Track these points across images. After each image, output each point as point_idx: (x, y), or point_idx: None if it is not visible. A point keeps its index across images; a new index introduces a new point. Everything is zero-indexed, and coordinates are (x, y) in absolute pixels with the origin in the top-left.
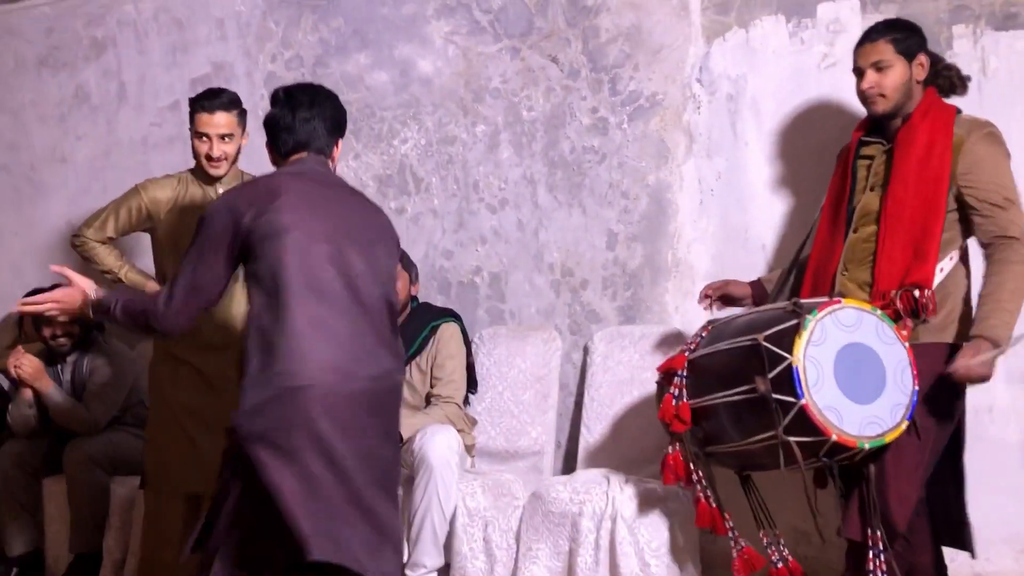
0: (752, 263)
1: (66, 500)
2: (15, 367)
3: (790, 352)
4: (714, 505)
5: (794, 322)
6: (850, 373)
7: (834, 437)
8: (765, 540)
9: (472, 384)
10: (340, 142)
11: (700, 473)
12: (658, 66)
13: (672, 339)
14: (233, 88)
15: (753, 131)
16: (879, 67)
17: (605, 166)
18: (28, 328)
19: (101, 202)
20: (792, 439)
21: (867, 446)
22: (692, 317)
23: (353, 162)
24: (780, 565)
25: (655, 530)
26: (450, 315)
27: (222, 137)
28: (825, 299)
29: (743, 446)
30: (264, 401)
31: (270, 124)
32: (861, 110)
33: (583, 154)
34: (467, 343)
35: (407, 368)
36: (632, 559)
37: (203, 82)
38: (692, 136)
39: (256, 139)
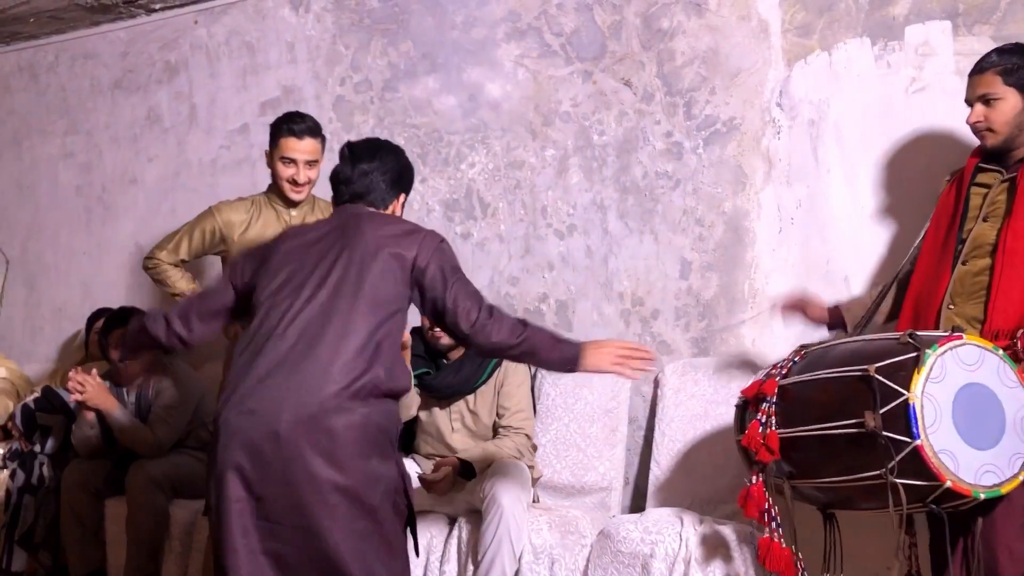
0: (834, 295)
1: (125, 523)
2: (77, 389)
3: (906, 388)
4: (786, 546)
5: (912, 355)
6: (968, 415)
7: (948, 484)
8: None
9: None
10: (403, 197)
11: (776, 510)
12: (736, 90)
13: (749, 372)
14: (301, 111)
15: (836, 158)
16: (986, 100)
17: (679, 192)
18: (94, 349)
19: (170, 223)
20: (900, 481)
21: (982, 496)
22: (769, 351)
23: (420, 186)
24: None
25: (732, 573)
26: None
27: (308, 163)
28: (945, 333)
29: (839, 484)
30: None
31: (332, 177)
32: (954, 136)
33: (656, 179)
34: (533, 373)
35: (472, 397)
36: None
37: (272, 105)
38: (771, 162)
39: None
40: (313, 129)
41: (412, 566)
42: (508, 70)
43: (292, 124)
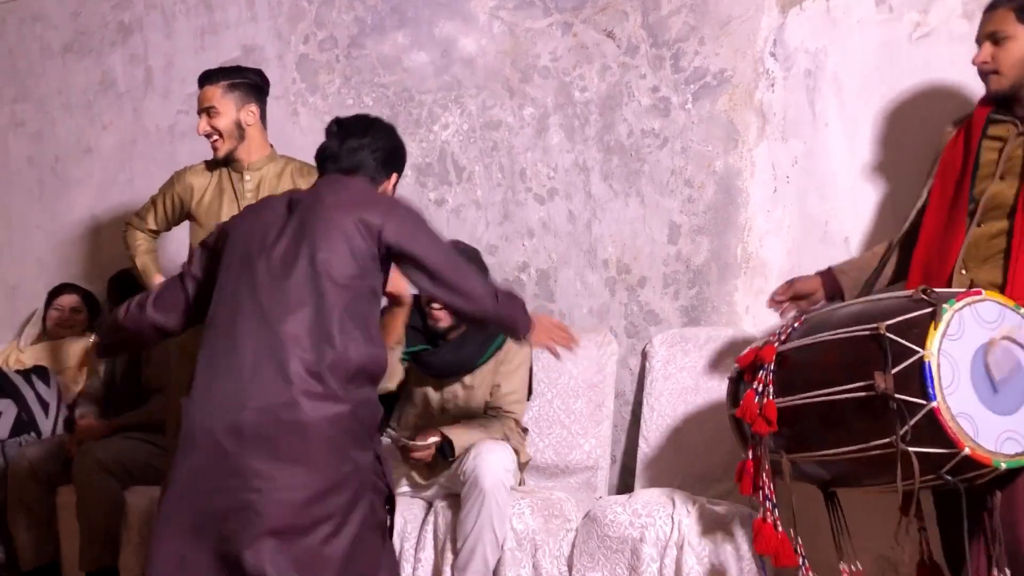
0: (833, 258)
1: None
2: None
3: (921, 345)
4: (781, 530)
5: (927, 311)
6: (988, 377)
7: (967, 451)
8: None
9: (529, 392)
10: (396, 177)
11: (771, 488)
12: (726, 39)
13: (742, 343)
14: (264, 71)
15: (835, 111)
16: (996, 39)
17: (667, 151)
18: (52, 328)
19: (127, 194)
20: (913, 449)
21: (1003, 465)
22: (764, 318)
23: None
24: None
25: (727, 559)
26: None
27: (206, 112)
28: (962, 289)
29: (843, 455)
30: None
31: (319, 153)
32: (962, 86)
33: (642, 138)
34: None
35: (469, 375)
36: None
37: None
38: (765, 117)
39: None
40: (209, 75)
41: None
42: (483, 23)
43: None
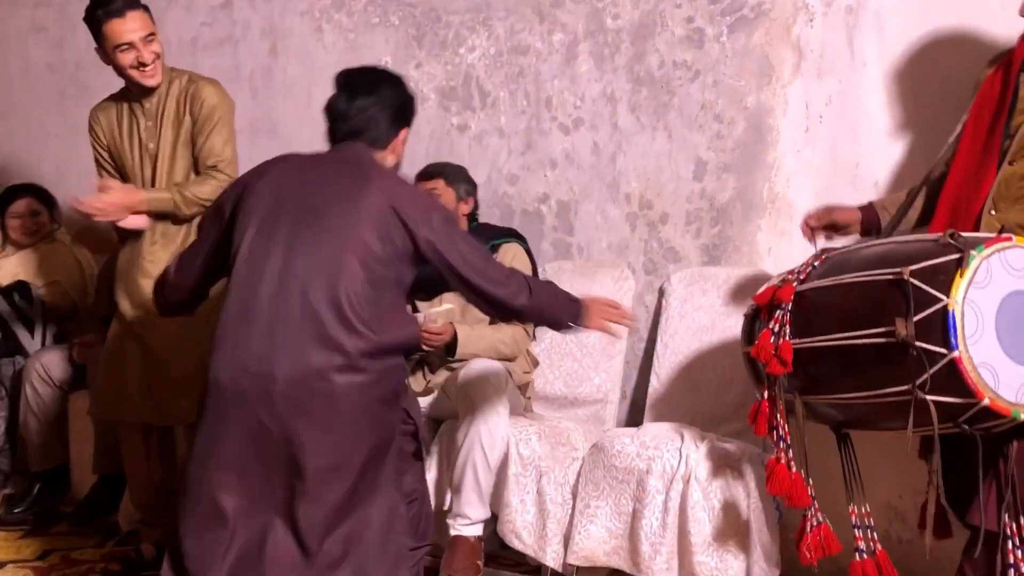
0: (862, 201)
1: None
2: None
3: (945, 293)
4: (795, 470)
5: (954, 256)
6: (1013, 327)
7: (986, 401)
8: (854, 518)
9: None
10: (405, 131)
11: (786, 429)
12: None
13: (762, 283)
14: None
15: (874, 51)
16: None
17: (697, 84)
18: (13, 235)
19: None
20: (931, 398)
21: (1022, 416)
22: (786, 260)
23: (414, 72)
24: (865, 556)
25: (733, 495)
26: (512, 235)
27: (145, 40)
28: (991, 235)
29: (859, 399)
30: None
31: (327, 111)
32: (1011, 27)
33: (673, 70)
34: (533, 266)
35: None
36: (705, 525)
37: None
38: (801, 53)
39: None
40: (132, 3)
41: None
42: None
43: (107, 6)
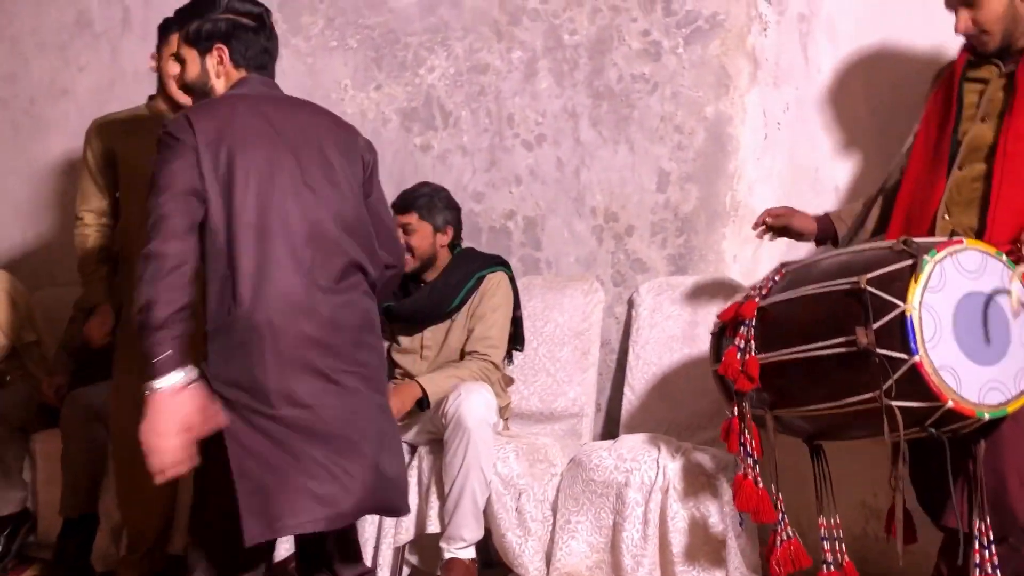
0: (822, 206)
1: (59, 458)
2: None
3: (902, 298)
4: (761, 486)
5: (908, 263)
6: (970, 328)
7: (950, 404)
8: (822, 530)
9: (520, 340)
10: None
11: (753, 444)
12: None
13: (729, 291)
14: None
15: (828, 56)
16: (968, 2)
17: (657, 96)
18: None
19: None
20: (896, 404)
21: (987, 416)
22: (752, 267)
23: (375, 93)
24: (832, 568)
25: (711, 504)
26: (498, 263)
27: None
28: (943, 239)
29: (827, 410)
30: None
31: (257, 53)
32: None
33: (632, 83)
34: (515, 294)
35: (447, 324)
36: (684, 535)
37: None
38: (757, 62)
39: None
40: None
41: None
42: None
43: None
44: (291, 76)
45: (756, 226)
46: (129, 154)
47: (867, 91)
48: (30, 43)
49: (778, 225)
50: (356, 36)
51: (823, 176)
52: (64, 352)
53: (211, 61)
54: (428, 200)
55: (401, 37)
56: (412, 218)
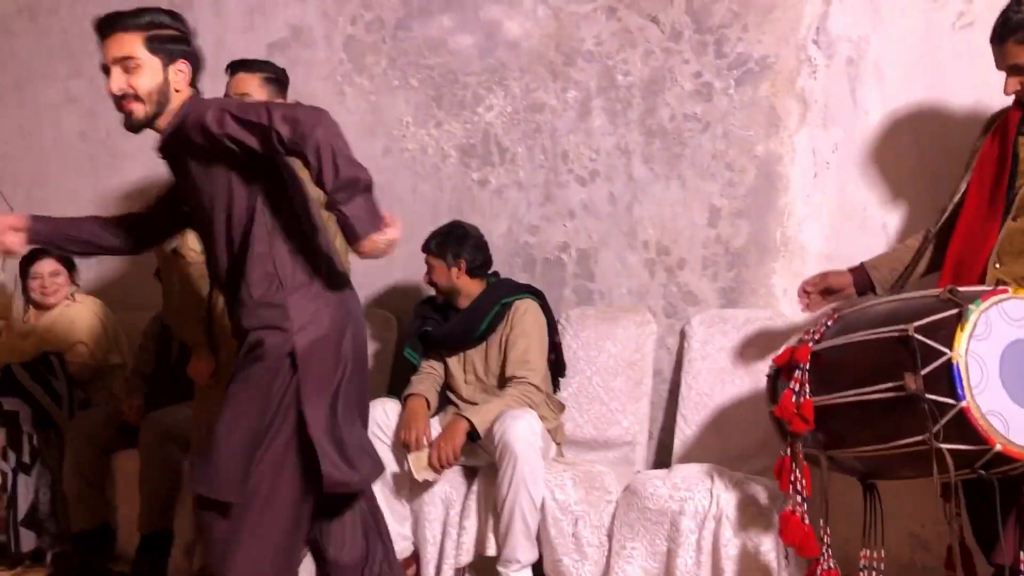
0: (871, 244)
1: (137, 477)
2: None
3: (948, 346)
4: (808, 522)
5: (953, 312)
6: (1017, 374)
7: (998, 447)
8: (863, 561)
9: (561, 366)
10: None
11: (803, 483)
12: (769, 27)
13: (780, 325)
14: (310, 52)
15: (876, 99)
16: (1018, 68)
17: (708, 135)
18: (38, 298)
19: None
20: (946, 447)
21: None
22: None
23: (435, 130)
24: None
25: (762, 534)
26: (527, 291)
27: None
28: (988, 288)
29: (879, 451)
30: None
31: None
32: (1002, 75)
33: (684, 122)
34: (550, 321)
35: (483, 347)
36: (736, 563)
37: (280, 46)
38: (806, 103)
39: None
40: (244, 63)
41: (432, 520)
42: (528, 7)
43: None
44: (355, 113)
45: (801, 302)
46: None
47: (914, 133)
48: (104, 80)
49: (818, 291)
50: (417, 76)
51: (871, 215)
52: (137, 376)
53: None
54: (441, 239)
55: (460, 77)
56: (429, 257)
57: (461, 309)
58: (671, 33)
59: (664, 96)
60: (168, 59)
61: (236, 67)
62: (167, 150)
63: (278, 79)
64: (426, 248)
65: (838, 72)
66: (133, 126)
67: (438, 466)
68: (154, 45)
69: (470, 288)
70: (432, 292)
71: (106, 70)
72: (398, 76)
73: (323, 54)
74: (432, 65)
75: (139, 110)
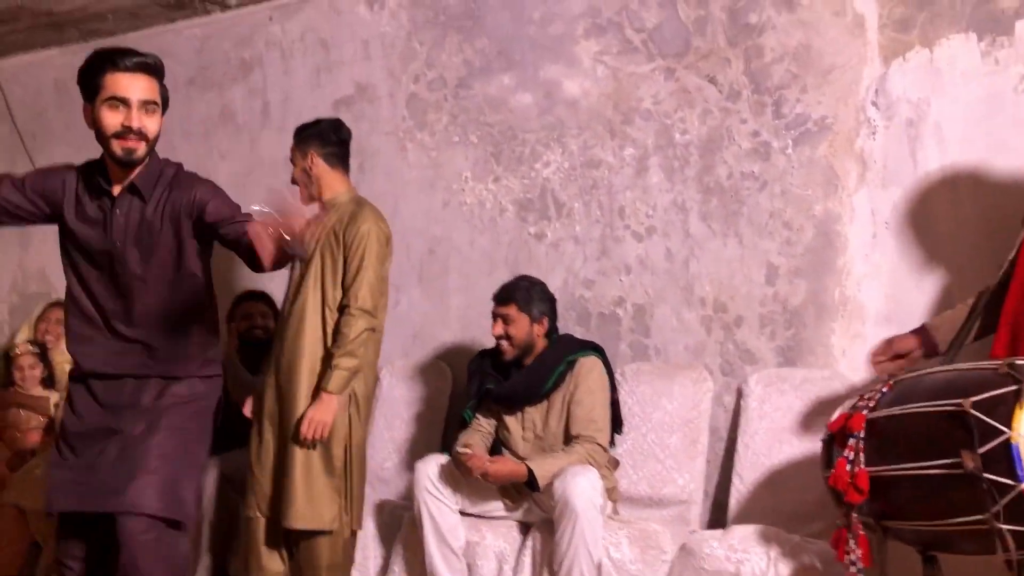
0: (931, 305)
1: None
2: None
3: (1007, 425)
4: None
5: (1012, 388)
6: None
7: None
8: None
9: (617, 424)
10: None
11: (859, 554)
12: (828, 88)
13: (839, 386)
14: (374, 108)
15: (936, 160)
16: None
17: (766, 194)
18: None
19: None
20: (1006, 527)
21: None
22: (860, 362)
23: (493, 185)
24: None
25: None
26: (591, 348)
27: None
28: None
29: (937, 527)
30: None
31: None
32: None
33: (741, 180)
34: (611, 378)
35: (544, 405)
36: None
37: (346, 103)
38: (865, 163)
39: None
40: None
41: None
42: (587, 67)
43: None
44: (416, 168)
45: (876, 368)
46: None
47: (975, 194)
48: (178, 132)
49: (888, 358)
50: (477, 132)
51: (931, 275)
52: None
53: None
54: (526, 293)
55: (519, 134)
56: (511, 309)
57: (523, 365)
58: (729, 93)
59: (722, 154)
60: (163, 110)
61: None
62: (132, 190)
63: (309, 135)
64: (508, 299)
65: (898, 133)
66: (132, 161)
67: (473, 469)
68: (163, 95)
69: (540, 346)
70: (489, 345)
71: (121, 102)
72: (458, 132)
73: (387, 111)
74: (492, 122)
75: (142, 149)
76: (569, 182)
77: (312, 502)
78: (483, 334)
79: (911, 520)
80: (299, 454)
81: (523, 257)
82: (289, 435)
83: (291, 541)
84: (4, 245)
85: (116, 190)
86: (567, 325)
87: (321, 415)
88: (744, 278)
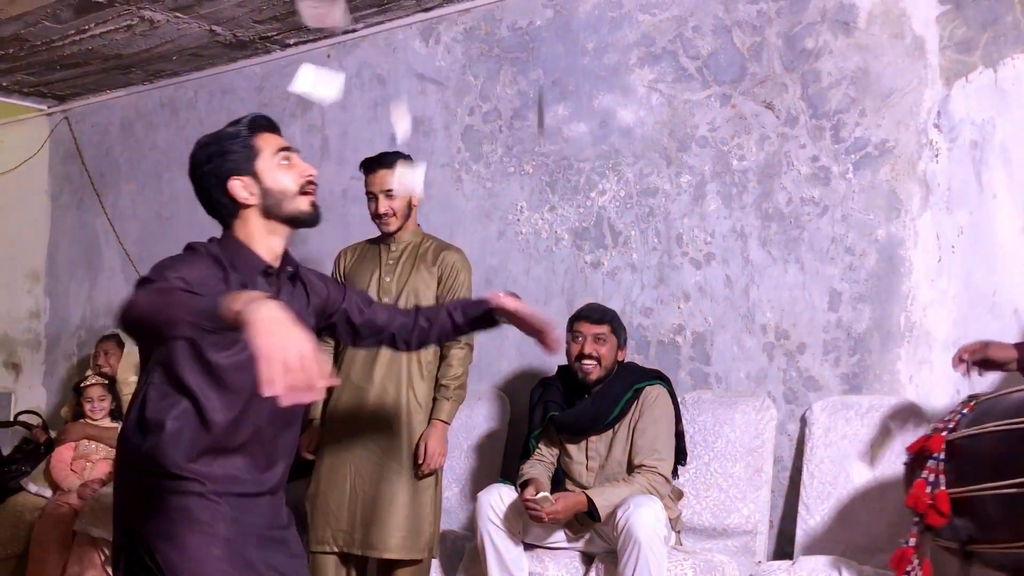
0: (1000, 330)
1: None
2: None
3: None
4: None
5: None
6: None
7: None
8: None
9: (681, 455)
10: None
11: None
12: (888, 111)
13: (906, 412)
14: (430, 141)
15: (1003, 181)
16: None
17: (827, 219)
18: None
19: (302, 252)
20: None
21: None
22: (928, 389)
23: (548, 215)
24: None
25: None
26: (657, 377)
27: (385, 193)
28: None
29: (1022, 549)
30: None
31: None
32: None
33: (801, 206)
34: (676, 408)
35: (609, 434)
36: None
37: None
38: (929, 187)
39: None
40: (385, 159)
41: None
42: (641, 95)
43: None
44: (472, 199)
45: (955, 364)
46: (354, 274)
47: None
48: None
49: (976, 360)
50: (532, 162)
51: (1001, 300)
52: None
53: None
54: (615, 317)
55: (574, 163)
56: (606, 329)
57: (589, 393)
58: (787, 119)
59: (780, 180)
60: None
61: (371, 165)
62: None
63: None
64: (603, 320)
65: (962, 155)
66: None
67: (539, 512)
68: None
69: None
70: (550, 373)
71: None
72: (513, 163)
73: (442, 143)
74: (546, 152)
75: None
76: (625, 210)
77: (411, 531)
78: (540, 363)
79: (996, 543)
80: (403, 484)
81: (579, 286)
82: (383, 464)
83: (362, 572)
84: (75, 281)
85: None
86: (626, 354)
87: (441, 446)
88: (806, 304)
